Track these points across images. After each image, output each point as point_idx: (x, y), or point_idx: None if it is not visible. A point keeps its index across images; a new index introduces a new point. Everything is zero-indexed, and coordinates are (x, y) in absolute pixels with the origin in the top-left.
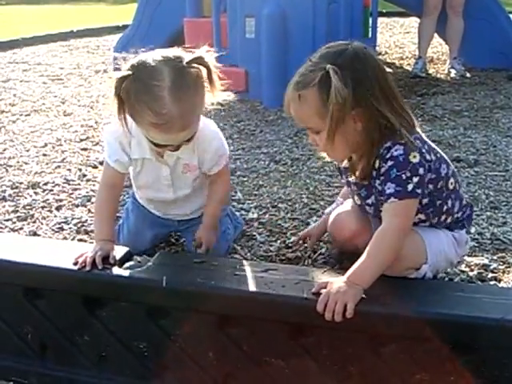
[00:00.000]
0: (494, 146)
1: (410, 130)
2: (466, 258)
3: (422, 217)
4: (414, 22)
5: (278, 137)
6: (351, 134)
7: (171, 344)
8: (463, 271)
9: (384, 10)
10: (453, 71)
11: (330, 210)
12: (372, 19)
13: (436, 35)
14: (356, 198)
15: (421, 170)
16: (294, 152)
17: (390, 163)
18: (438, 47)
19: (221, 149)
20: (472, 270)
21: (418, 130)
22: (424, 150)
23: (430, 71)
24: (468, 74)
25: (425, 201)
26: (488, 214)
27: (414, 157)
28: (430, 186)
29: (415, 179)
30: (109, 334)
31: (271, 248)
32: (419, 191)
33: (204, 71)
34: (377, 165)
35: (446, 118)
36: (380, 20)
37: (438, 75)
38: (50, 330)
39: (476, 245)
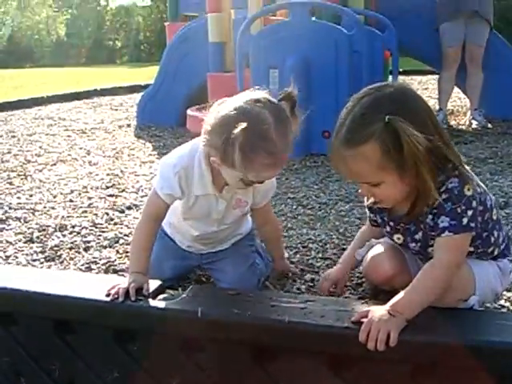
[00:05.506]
0: None
1: (460, 163)
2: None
3: (471, 249)
4: (431, 79)
5: (304, 183)
6: (413, 177)
7: (206, 379)
8: (503, 306)
9: (401, 69)
10: (474, 122)
11: (361, 252)
12: (393, 76)
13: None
14: (397, 236)
15: (474, 203)
16: (320, 197)
17: (444, 196)
18: (457, 101)
19: (272, 181)
20: None
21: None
22: (475, 183)
23: (452, 123)
24: (489, 125)
25: (473, 233)
26: None
27: (469, 189)
28: (479, 219)
29: (469, 212)
30: (140, 369)
31: (303, 287)
32: (473, 225)
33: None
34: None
35: (471, 165)
36: (398, 78)
37: (460, 126)
38: (78, 365)
39: None
